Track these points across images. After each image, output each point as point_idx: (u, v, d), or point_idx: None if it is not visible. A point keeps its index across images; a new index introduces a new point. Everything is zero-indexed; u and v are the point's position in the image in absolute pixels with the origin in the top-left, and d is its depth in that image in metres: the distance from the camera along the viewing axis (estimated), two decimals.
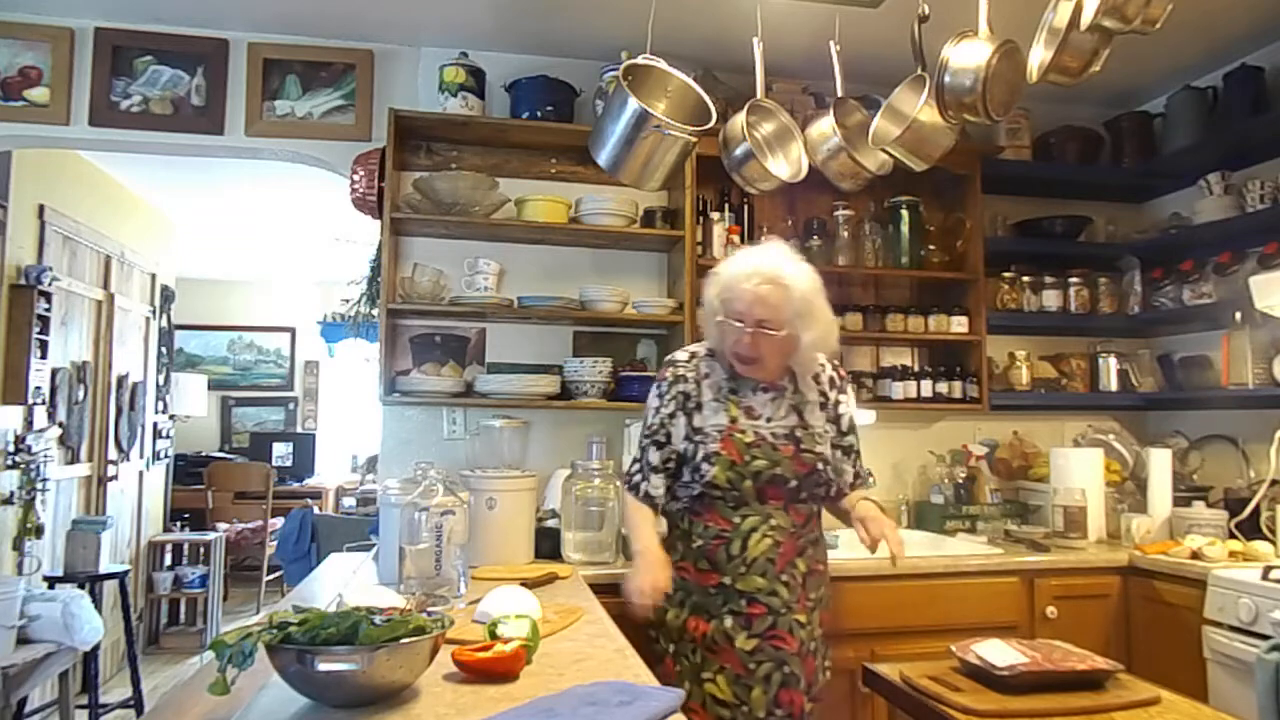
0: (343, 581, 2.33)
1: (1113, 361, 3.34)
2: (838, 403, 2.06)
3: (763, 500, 1.92)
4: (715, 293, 1.95)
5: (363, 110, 3.03)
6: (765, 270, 1.87)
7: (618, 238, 2.97)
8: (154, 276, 5.33)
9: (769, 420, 1.97)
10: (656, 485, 2.01)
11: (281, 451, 7.39)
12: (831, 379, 2.07)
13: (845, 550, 2.89)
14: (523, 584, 1.92)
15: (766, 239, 3.11)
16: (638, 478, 2.04)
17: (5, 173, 3.52)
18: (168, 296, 5.59)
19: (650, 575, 1.86)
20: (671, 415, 2.01)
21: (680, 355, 2.08)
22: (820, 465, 1.96)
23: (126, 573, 3.74)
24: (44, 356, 3.76)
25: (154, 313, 5.33)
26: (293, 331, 8.03)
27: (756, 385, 1.99)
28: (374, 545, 2.59)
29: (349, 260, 5.10)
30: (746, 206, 3.14)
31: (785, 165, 2.39)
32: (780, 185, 2.36)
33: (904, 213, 3.19)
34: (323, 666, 1.16)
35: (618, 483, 2.38)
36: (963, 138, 2.36)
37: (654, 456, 2.01)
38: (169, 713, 2.05)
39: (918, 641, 2.45)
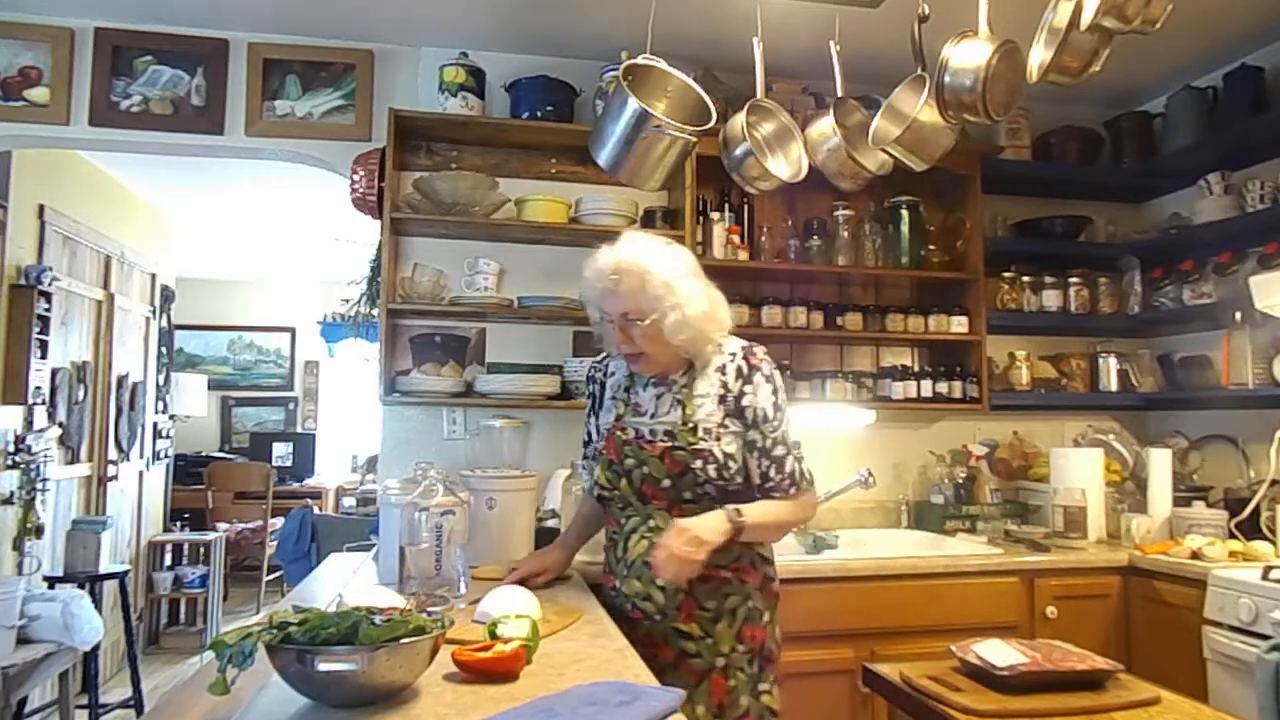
0: (343, 581, 2.33)
1: (1113, 361, 3.34)
2: (741, 394, 1.83)
3: (644, 501, 1.85)
4: (585, 297, 1.92)
5: (363, 110, 3.03)
6: (616, 262, 1.81)
7: (618, 238, 2.96)
8: (154, 276, 5.33)
9: (652, 416, 1.88)
10: (585, 479, 2.10)
11: (281, 451, 7.39)
12: (740, 369, 1.84)
13: (845, 550, 2.90)
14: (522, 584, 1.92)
15: (765, 239, 3.15)
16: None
17: (5, 173, 3.53)
18: (168, 296, 5.59)
19: (532, 560, 2.06)
20: (587, 416, 2.07)
21: (600, 357, 2.09)
22: (697, 464, 1.78)
23: (126, 573, 3.74)
24: (44, 356, 3.76)
25: (154, 313, 5.33)
26: (293, 331, 8.03)
27: (649, 381, 1.92)
28: (374, 545, 2.59)
29: (349, 260, 5.10)
30: (746, 206, 3.14)
31: (785, 165, 2.39)
32: (780, 185, 2.36)
33: (904, 213, 3.19)
34: (323, 666, 1.16)
35: None
36: (963, 138, 2.36)
37: (584, 452, 2.10)
38: (169, 713, 2.05)
39: (918, 641, 2.45)
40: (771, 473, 1.83)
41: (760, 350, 1.88)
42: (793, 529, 1.91)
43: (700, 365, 1.87)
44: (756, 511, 1.79)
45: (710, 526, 1.72)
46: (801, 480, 1.85)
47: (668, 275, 1.79)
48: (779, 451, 1.83)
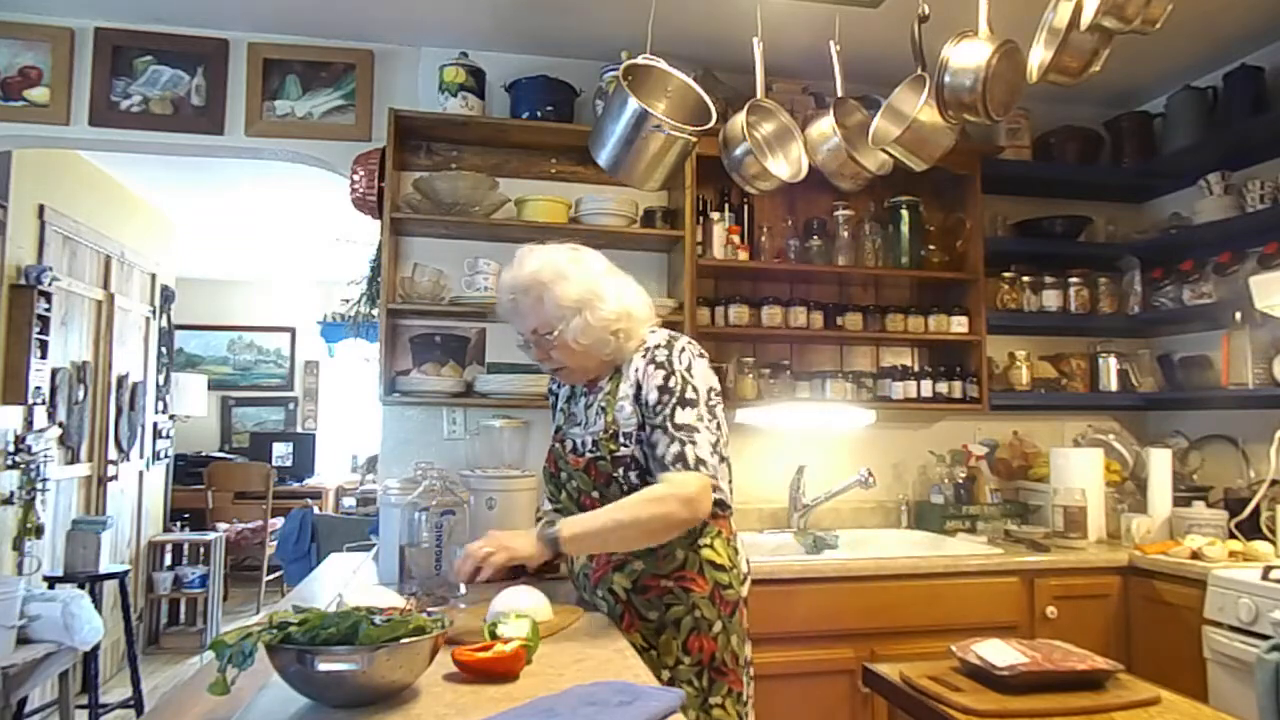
0: (343, 581, 2.33)
1: (1113, 361, 3.34)
2: (640, 385, 1.76)
3: (584, 510, 1.81)
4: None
5: (363, 110, 3.03)
6: (511, 282, 1.78)
7: (618, 238, 2.96)
8: (154, 276, 5.33)
9: (584, 427, 1.85)
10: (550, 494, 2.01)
11: (281, 451, 7.39)
12: (649, 360, 1.76)
13: (845, 550, 2.90)
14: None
15: (765, 239, 3.15)
16: None
17: (5, 173, 3.53)
18: (168, 296, 5.59)
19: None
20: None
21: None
22: (619, 472, 1.74)
23: (126, 573, 3.74)
24: (44, 356, 3.76)
25: (154, 313, 5.33)
26: (293, 331, 8.03)
27: (583, 390, 1.90)
28: (374, 545, 2.59)
29: (349, 260, 5.10)
30: (746, 206, 3.14)
31: (785, 165, 2.39)
32: (780, 185, 2.37)
33: (904, 213, 3.19)
34: (323, 666, 1.16)
35: None
36: (963, 138, 2.36)
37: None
38: (169, 713, 2.05)
39: (918, 641, 2.45)
40: (652, 461, 1.72)
41: (666, 337, 1.80)
42: (660, 527, 1.67)
43: (625, 367, 1.81)
44: (583, 518, 1.70)
45: (516, 534, 1.72)
46: (675, 464, 1.67)
47: (565, 284, 1.74)
48: (656, 436, 1.72)
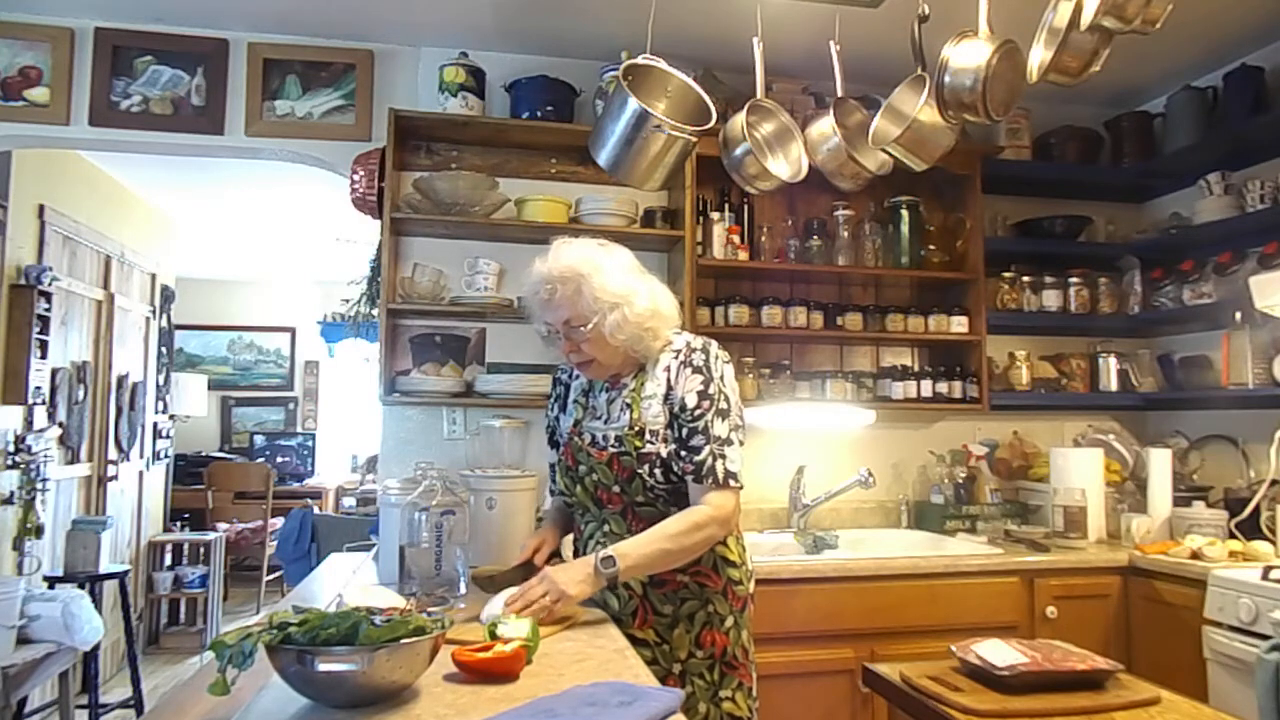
0: (343, 581, 2.33)
1: (1113, 361, 3.34)
2: (672, 388, 1.79)
3: (600, 505, 1.84)
4: (528, 312, 1.89)
5: (363, 110, 3.03)
6: (546, 273, 1.77)
7: (618, 238, 2.91)
8: (154, 276, 5.33)
9: (605, 421, 1.84)
10: (555, 482, 2.01)
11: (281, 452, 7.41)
12: (680, 364, 1.79)
13: (845, 550, 2.90)
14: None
15: (765, 239, 3.15)
16: None
17: (5, 173, 3.53)
18: (168, 296, 5.59)
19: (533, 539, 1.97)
20: (556, 417, 2.02)
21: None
22: (644, 469, 1.75)
23: (126, 573, 3.74)
24: (44, 356, 3.76)
25: (154, 313, 5.33)
26: (293, 331, 8.03)
27: (604, 385, 1.89)
28: (374, 545, 2.59)
29: (349, 260, 5.10)
30: (746, 206, 3.14)
31: (785, 165, 2.39)
32: (780, 185, 2.36)
33: (904, 213, 3.19)
34: (323, 667, 1.16)
35: None
36: (963, 138, 2.36)
37: (552, 456, 2.02)
38: (169, 713, 2.06)
39: (918, 641, 2.46)
40: (685, 463, 1.75)
41: (701, 342, 1.83)
42: (703, 549, 1.73)
43: (650, 366, 1.83)
44: (636, 548, 1.68)
45: (574, 579, 1.64)
46: (709, 476, 1.72)
47: (603, 277, 1.76)
48: (696, 441, 1.74)
